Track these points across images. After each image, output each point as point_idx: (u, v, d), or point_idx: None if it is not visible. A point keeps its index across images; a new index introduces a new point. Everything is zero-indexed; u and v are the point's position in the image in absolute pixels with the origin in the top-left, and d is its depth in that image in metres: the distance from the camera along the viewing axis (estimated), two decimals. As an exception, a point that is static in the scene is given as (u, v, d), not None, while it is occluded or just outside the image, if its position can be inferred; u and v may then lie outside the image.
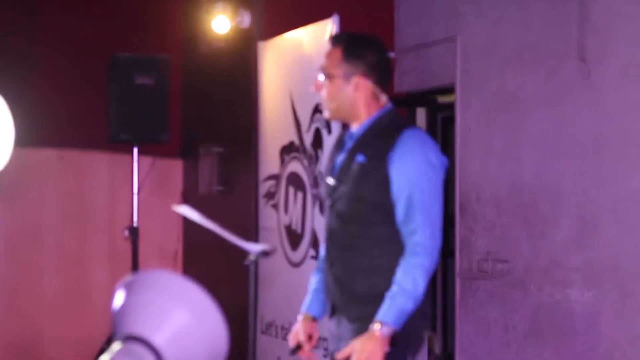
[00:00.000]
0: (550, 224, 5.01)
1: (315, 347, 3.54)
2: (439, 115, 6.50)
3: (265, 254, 4.30)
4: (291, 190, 5.97)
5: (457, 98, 5.74)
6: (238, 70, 6.72)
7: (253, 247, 4.27)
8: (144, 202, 6.81)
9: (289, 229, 5.98)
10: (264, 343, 6.12)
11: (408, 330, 3.13)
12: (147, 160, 6.85)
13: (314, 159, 5.69)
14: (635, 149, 4.56)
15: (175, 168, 7.51)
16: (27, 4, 7.05)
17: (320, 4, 5.91)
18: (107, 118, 6.53)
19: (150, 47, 6.90)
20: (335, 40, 3.36)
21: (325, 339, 3.88)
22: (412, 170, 3.16)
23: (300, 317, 3.46)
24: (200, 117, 7.32)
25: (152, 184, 7.06)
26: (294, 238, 5.90)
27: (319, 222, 5.58)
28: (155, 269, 1.58)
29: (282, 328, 5.97)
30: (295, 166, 5.93)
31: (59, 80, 6.99)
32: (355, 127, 3.33)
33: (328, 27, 5.45)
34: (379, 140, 3.24)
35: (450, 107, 6.01)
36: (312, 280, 3.49)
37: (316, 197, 5.67)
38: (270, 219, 6.21)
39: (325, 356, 5.42)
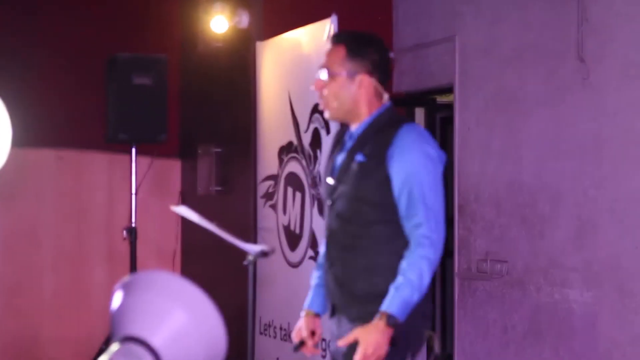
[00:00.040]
0: (550, 224, 5.01)
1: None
2: (437, 116, 6.51)
3: (263, 254, 4.29)
4: (290, 190, 5.96)
5: (456, 98, 5.74)
6: (236, 71, 6.72)
7: (252, 248, 4.26)
8: (142, 202, 6.80)
9: (287, 230, 5.98)
10: (262, 344, 6.11)
11: (408, 330, 3.12)
12: (146, 160, 6.84)
13: (313, 159, 5.69)
14: (635, 149, 4.56)
15: (173, 168, 7.50)
16: (25, 3, 7.04)
17: (319, 4, 5.91)
18: (106, 118, 6.53)
19: (149, 47, 6.90)
20: (337, 38, 3.36)
21: (323, 340, 3.87)
22: (411, 165, 3.15)
23: (302, 314, 3.45)
24: (198, 117, 7.31)
25: (151, 184, 7.05)
26: (293, 238, 5.90)
27: (317, 223, 5.57)
28: (154, 270, 1.58)
29: (281, 329, 5.96)
30: (293, 166, 5.93)
31: (57, 80, 6.98)
32: (355, 127, 3.32)
33: (326, 27, 5.44)
34: (377, 138, 3.24)
35: (449, 107, 6.01)
36: (314, 276, 3.48)
37: (315, 198, 5.67)
38: (269, 219, 6.21)
39: (324, 357, 5.41)
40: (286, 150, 6.00)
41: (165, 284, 1.52)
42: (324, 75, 3.28)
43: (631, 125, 4.58)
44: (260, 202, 6.32)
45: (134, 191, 6.62)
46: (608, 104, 4.71)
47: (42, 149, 6.97)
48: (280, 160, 6.08)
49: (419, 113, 6.45)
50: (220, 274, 6.53)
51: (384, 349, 3.06)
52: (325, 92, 3.29)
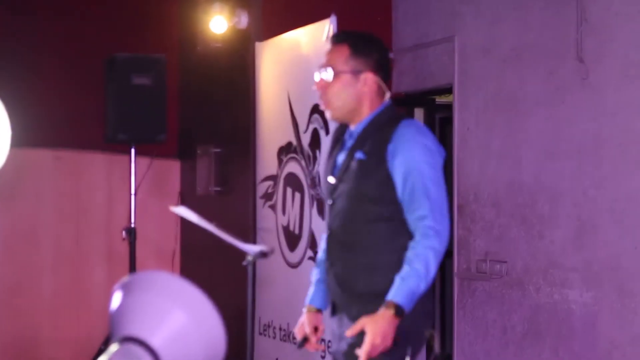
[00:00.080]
0: (549, 224, 5.01)
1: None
2: (437, 116, 6.51)
3: (263, 254, 4.28)
4: (289, 191, 5.96)
5: (455, 98, 5.74)
6: (236, 71, 6.71)
7: (251, 248, 4.26)
8: (142, 202, 6.80)
9: (286, 230, 5.98)
10: (261, 344, 6.11)
11: (409, 328, 3.11)
12: (145, 160, 6.84)
13: (312, 160, 5.68)
14: (635, 149, 4.56)
15: (172, 168, 7.50)
16: (24, 3, 7.04)
17: (318, 5, 5.91)
18: (105, 118, 6.53)
19: (148, 47, 6.89)
20: (339, 38, 3.36)
21: (322, 340, 3.87)
22: (412, 159, 3.16)
23: (304, 310, 3.45)
24: (197, 117, 7.31)
25: (150, 184, 7.05)
26: (292, 239, 5.90)
27: (317, 223, 5.57)
28: (153, 270, 1.57)
29: (280, 329, 5.96)
30: (293, 167, 5.93)
31: (56, 80, 6.98)
32: (355, 125, 3.32)
33: (326, 27, 5.44)
34: (377, 135, 3.24)
35: (449, 107, 6.01)
36: (314, 272, 3.48)
37: (314, 198, 5.66)
38: (268, 219, 6.20)
39: (323, 357, 5.41)
40: (285, 150, 6.00)
41: (165, 284, 1.51)
42: (327, 74, 3.28)
43: (631, 125, 4.58)
44: (260, 202, 6.32)
45: (133, 191, 6.61)
46: (607, 104, 4.70)
47: (40, 149, 6.96)
48: (280, 161, 6.07)
49: (419, 113, 6.45)
50: (220, 274, 6.53)
51: (390, 339, 3.05)
52: (329, 91, 3.28)
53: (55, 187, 7.10)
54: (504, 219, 5.32)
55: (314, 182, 5.63)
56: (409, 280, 3.07)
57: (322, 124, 5.54)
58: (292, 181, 5.92)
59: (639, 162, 4.54)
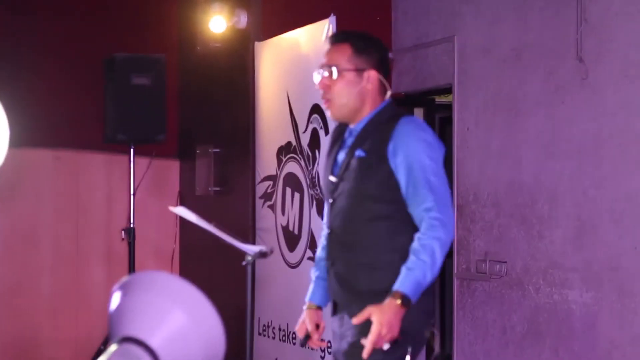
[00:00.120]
0: (549, 224, 5.00)
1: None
2: (436, 116, 6.51)
3: (262, 255, 4.29)
4: (288, 191, 5.96)
5: (455, 98, 5.74)
6: (235, 71, 6.71)
7: (250, 248, 4.26)
8: (141, 202, 6.80)
9: (286, 230, 5.97)
10: (261, 344, 6.10)
11: (409, 328, 3.11)
12: (144, 160, 6.83)
13: (311, 160, 5.68)
14: (634, 149, 4.56)
15: (172, 168, 7.49)
16: (24, 3, 7.03)
17: (317, 5, 5.91)
18: (104, 118, 6.53)
19: (147, 47, 6.89)
20: (340, 37, 3.37)
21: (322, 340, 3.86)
22: (412, 154, 3.16)
23: (304, 307, 3.45)
24: (197, 117, 7.31)
25: (149, 184, 7.04)
26: (291, 239, 5.89)
27: (316, 223, 5.56)
28: (152, 270, 1.57)
29: (280, 329, 5.96)
30: (292, 167, 5.92)
31: (55, 80, 6.97)
32: (355, 124, 3.32)
33: (325, 27, 5.43)
34: (377, 133, 3.25)
35: (448, 107, 6.01)
36: (314, 269, 3.48)
37: (313, 198, 5.66)
38: (267, 220, 6.20)
39: (322, 358, 5.40)
40: (285, 150, 6.00)
41: (164, 284, 1.51)
42: (333, 72, 3.28)
43: (631, 125, 4.58)
44: (259, 202, 6.31)
45: (132, 191, 6.61)
46: (607, 104, 4.70)
47: (39, 149, 6.96)
48: (279, 161, 6.07)
49: (418, 113, 6.45)
50: (219, 274, 6.52)
51: (397, 329, 3.03)
52: (333, 89, 3.28)
53: (55, 187, 7.09)
54: (503, 219, 5.31)
55: (314, 182, 5.63)
56: (416, 271, 3.06)
57: (321, 123, 5.54)
58: (292, 181, 5.92)
59: (639, 162, 4.53)
